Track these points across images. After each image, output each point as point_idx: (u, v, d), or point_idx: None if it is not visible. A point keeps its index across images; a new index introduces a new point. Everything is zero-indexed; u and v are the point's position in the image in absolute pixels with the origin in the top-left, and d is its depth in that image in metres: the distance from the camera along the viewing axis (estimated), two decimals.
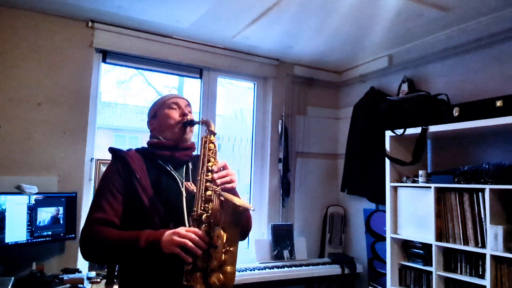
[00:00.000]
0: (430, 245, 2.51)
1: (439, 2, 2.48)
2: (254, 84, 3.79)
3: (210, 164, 1.44)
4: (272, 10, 2.64)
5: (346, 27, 2.89)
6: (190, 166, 1.57)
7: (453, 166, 2.63)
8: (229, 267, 1.29)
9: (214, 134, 1.51)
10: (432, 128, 2.55)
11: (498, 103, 2.20)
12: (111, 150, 1.52)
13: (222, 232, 1.28)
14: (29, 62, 2.73)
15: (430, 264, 2.54)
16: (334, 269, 3.31)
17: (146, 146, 1.58)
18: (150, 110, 1.63)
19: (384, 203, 2.88)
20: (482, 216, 2.25)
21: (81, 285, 2.40)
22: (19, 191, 2.42)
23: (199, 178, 1.41)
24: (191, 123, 1.55)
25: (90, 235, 1.34)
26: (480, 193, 2.28)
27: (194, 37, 3.23)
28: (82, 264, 2.81)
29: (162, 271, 1.35)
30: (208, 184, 1.40)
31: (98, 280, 2.55)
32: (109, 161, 1.52)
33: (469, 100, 2.46)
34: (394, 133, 2.78)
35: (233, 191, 1.39)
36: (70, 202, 2.69)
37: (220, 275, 1.27)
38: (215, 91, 3.53)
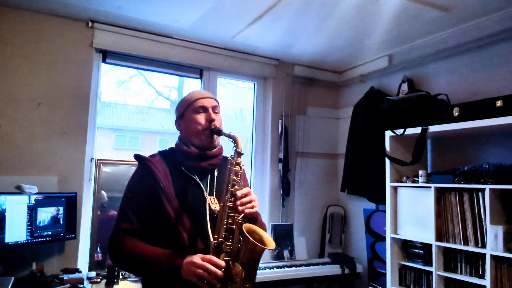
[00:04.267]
0: (430, 245, 2.51)
1: (439, 2, 2.48)
2: (254, 84, 3.79)
3: (234, 188, 1.42)
4: (272, 10, 2.64)
5: (346, 27, 2.89)
6: (216, 174, 1.55)
7: (453, 166, 2.63)
8: None
9: (241, 155, 1.47)
10: (432, 128, 2.55)
11: (498, 103, 2.20)
12: (136, 157, 1.52)
13: (240, 268, 1.30)
14: (29, 62, 2.73)
15: (430, 264, 2.54)
16: (334, 269, 3.31)
17: (174, 146, 1.57)
18: (177, 109, 1.59)
19: (384, 203, 2.88)
20: (482, 216, 2.25)
21: (81, 285, 2.40)
22: (19, 191, 2.42)
23: (222, 203, 1.40)
24: (218, 133, 1.51)
25: (117, 246, 1.39)
26: (480, 193, 2.28)
27: (194, 37, 3.23)
28: (82, 264, 2.81)
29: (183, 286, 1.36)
30: (230, 211, 1.39)
31: (98, 280, 2.56)
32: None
33: (469, 100, 2.46)
34: (394, 133, 2.77)
35: (254, 215, 1.43)
36: (70, 202, 2.69)
37: None
38: (215, 91, 3.53)
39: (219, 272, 1.26)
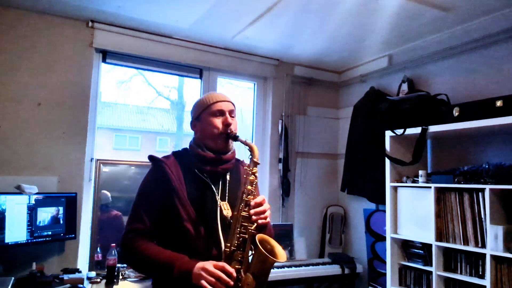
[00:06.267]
0: (430, 245, 2.51)
1: (439, 2, 2.48)
2: (254, 84, 3.79)
3: (248, 198, 1.42)
4: (272, 10, 2.64)
5: (346, 27, 2.89)
6: (228, 178, 1.54)
7: (453, 166, 2.63)
8: None
9: (257, 164, 1.46)
10: (432, 128, 2.55)
11: (498, 103, 2.20)
12: (151, 158, 1.52)
13: (252, 278, 1.31)
14: (29, 62, 2.73)
15: (430, 264, 2.54)
16: (334, 269, 3.31)
17: (188, 147, 1.56)
18: (194, 110, 1.58)
19: (384, 203, 2.88)
20: (482, 216, 2.25)
21: (81, 285, 2.40)
22: (19, 191, 2.42)
23: (236, 212, 1.41)
24: (234, 138, 1.50)
25: (129, 247, 1.40)
26: (480, 193, 2.28)
27: (194, 37, 3.23)
28: (82, 264, 2.81)
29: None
30: (243, 220, 1.39)
31: (98, 280, 2.56)
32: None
33: (469, 100, 2.46)
34: (394, 133, 2.77)
35: (267, 226, 1.44)
36: (70, 202, 2.69)
37: None
38: (215, 91, 3.53)
39: (230, 282, 1.27)
